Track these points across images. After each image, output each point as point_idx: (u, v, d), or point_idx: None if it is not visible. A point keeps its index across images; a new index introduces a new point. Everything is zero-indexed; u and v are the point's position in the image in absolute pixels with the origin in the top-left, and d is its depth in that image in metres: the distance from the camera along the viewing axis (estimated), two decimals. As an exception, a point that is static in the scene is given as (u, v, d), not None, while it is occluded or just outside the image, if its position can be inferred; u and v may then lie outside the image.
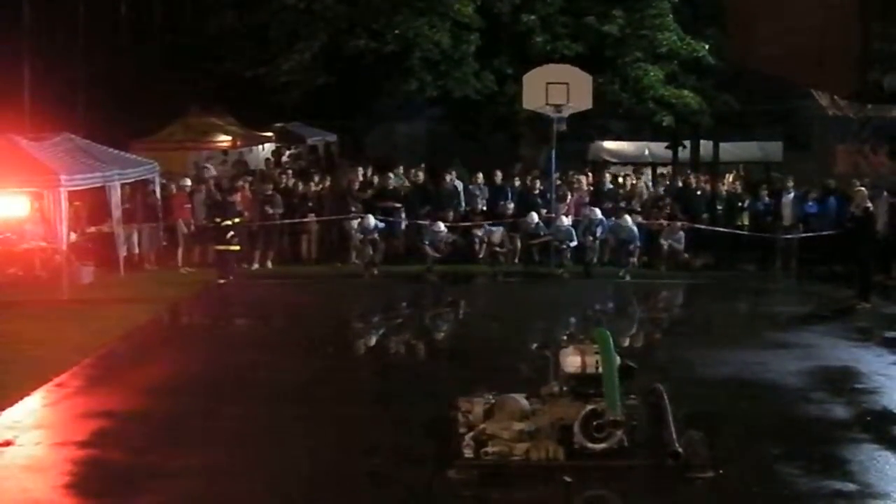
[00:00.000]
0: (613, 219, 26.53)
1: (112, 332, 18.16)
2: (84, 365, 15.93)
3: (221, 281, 21.57)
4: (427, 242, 24.98)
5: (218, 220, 21.79)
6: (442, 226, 25.07)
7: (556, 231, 25.58)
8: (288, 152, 38.59)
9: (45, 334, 17.67)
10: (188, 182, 26.13)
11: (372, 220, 24.63)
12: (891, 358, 17.15)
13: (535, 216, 25.24)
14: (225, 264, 21.66)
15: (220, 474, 11.37)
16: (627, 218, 25.18)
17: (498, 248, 26.14)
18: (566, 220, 26.04)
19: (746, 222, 26.66)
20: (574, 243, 25.36)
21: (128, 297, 21.62)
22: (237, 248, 22.01)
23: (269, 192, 26.03)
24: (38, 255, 23.03)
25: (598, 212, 26.03)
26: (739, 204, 26.79)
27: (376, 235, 24.87)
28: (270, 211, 25.38)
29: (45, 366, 15.52)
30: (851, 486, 11.26)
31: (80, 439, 12.44)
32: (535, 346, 14.62)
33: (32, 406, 13.98)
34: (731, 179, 28.55)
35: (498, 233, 26.18)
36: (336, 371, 15.90)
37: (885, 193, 25.05)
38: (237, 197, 22.55)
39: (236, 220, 21.70)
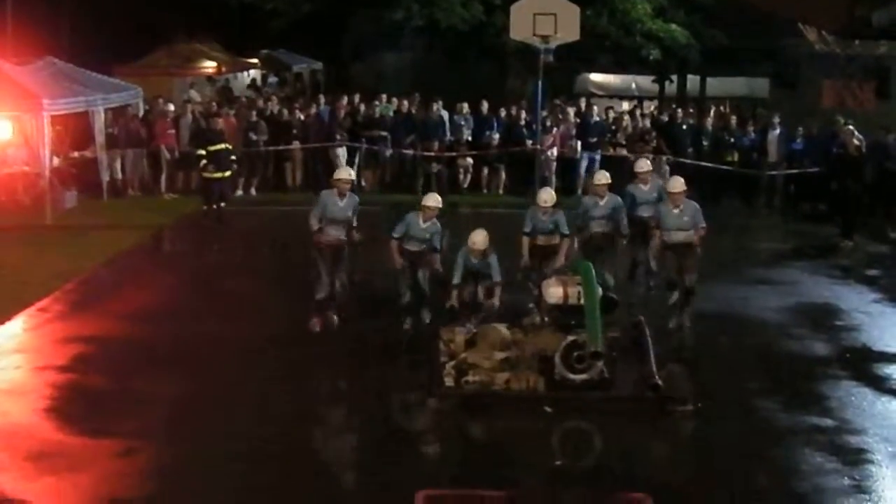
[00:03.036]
0: (599, 152, 26.50)
1: (94, 258, 18.12)
2: (66, 290, 15.91)
3: (209, 206, 21.39)
4: None
5: (206, 146, 21.59)
6: None
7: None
8: (272, 79, 38.39)
9: (27, 259, 17.62)
10: (172, 108, 25.92)
11: None
12: (872, 296, 17.22)
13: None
14: (211, 192, 21.50)
15: (202, 399, 11.42)
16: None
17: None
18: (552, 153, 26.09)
19: (732, 158, 26.56)
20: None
21: (111, 222, 21.54)
22: (227, 174, 21.81)
23: (254, 119, 25.88)
24: (20, 180, 22.87)
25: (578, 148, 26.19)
26: (727, 139, 26.67)
27: None
28: (254, 138, 25.20)
29: (27, 291, 15.50)
30: (829, 422, 11.36)
31: (61, 364, 12.46)
32: (518, 276, 14.56)
33: (13, 330, 13.98)
34: (713, 115, 28.35)
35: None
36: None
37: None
38: (223, 124, 22.34)
39: (224, 146, 21.50)
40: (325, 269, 14.18)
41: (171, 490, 9.08)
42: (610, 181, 15.90)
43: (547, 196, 15.01)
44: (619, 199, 15.82)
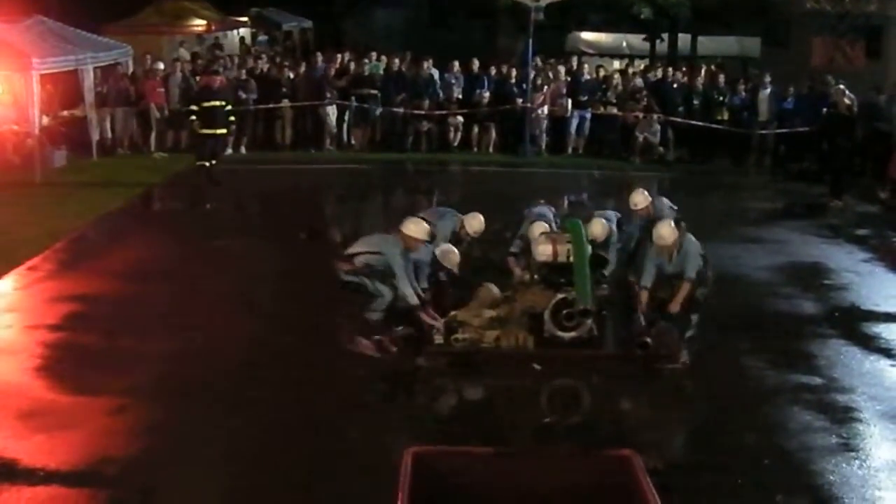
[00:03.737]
0: (590, 110, 26.49)
1: (84, 217, 18.09)
2: (56, 249, 15.89)
3: (202, 164, 21.27)
4: None
5: (199, 103, 21.46)
6: None
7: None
8: (262, 38, 38.22)
9: (16, 218, 17.58)
10: (161, 66, 25.81)
11: None
12: (860, 255, 17.27)
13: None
14: (204, 148, 21.38)
15: (192, 356, 11.44)
16: None
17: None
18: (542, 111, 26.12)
19: (723, 117, 26.55)
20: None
21: (100, 181, 21.51)
22: (223, 131, 21.70)
23: (244, 78, 25.80)
24: (9, 138, 22.77)
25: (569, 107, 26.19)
26: (718, 97, 26.65)
27: None
28: (244, 96, 25.13)
29: (17, 249, 15.47)
30: (817, 380, 11.41)
31: (52, 322, 12.47)
32: (508, 235, 14.57)
33: (4, 289, 13.98)
34: (704, 74, 28.33)
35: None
36: (309, 256, 15.91)
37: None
38: (217, 81, 22.24)
39: (219, 103, 21.38)
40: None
41: (162, 447, 9.11)
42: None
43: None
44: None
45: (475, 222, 13.51)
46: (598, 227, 13.20)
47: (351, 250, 11.89)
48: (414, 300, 11.68)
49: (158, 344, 11.71)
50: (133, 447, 9.10)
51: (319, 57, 27.41)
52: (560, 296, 11.88)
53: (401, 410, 10.37)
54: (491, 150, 26.78)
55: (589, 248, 11.96)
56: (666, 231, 12.08)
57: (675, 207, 14.41)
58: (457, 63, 27.21)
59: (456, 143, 26.75)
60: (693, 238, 12.32)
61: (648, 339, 11.65)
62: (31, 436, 9.30)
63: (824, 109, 23.47)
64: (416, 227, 11.93)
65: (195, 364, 11.19)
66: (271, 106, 25.98)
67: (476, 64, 27.28)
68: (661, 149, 26.39)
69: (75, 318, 12.63)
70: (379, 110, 26.60)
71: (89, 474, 8.53)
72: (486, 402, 10.73)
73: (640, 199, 13.97)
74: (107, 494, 8.22)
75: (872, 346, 12.60)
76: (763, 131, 26.00)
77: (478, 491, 6.59)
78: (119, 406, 9.97)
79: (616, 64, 35.33)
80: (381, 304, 11.60)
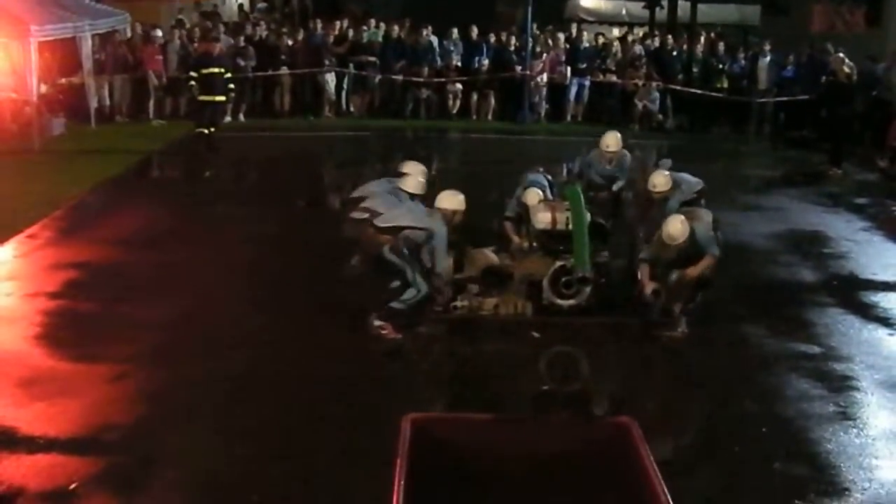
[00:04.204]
0: (589, 78, 26.48)
1: (83, 184, 18.08)
2: (55, 217, 15.88)
3: (201, 131, 21.20)
4: None
5: (197, 69, 21.40)
6: None
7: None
8: (261, 4, 38.10)
9: (15, 186, 17.57)
10: (160, 33, 25.74)
11: None
12: (859, 224, 17.29)
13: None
14: (203, 115, 21.33)
15: (192, 323, 11.45)
16: None
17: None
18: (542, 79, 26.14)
19: (722, 85, 26.52)
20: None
21: (99, 148, 21.48)
22: (222, 98, 21.64)
23: (242, 45, 25.74)
24: (8, 106, 22.69)
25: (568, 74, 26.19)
26: (718, 65, 26.62)
27: None
28: (242, 63, 25.07)
29: (16, 217, 15.46)
30: (816, 349, 11.43)
31: (52, 290, 12.46)
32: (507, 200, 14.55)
33: (3, 257, 13.97)
34: (703, 42, 28.27)
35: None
36: (308, 223, 15.92)
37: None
38: (216, 48, 22.16)
39: (218, 70, 21.31)
40: None
41: (162, 414, 9.12)
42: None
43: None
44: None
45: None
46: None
47: (394, 222, 11.15)
48: (450, 275, 11.63)
49: (158, 311, 11.72)
50: (133, 414, 9.11)
51: (318, 24, 27.33)
52: (559, 263, 11.88)
53: (400, 377, 10.39)
54: (490, 117, 26.82)
55: (588, 216, 11.87)
56: (676, 230, 11.29)
57: (699, 183, 13.68)
58: (455, 30, 27.17)
59: (455, 111, 26.79)
60: (706, 217, 11.85)
61: (651, 294, 11.58)
62: (31, 403, 9.31)
63: (823, 77, 23.43)
64: (453, 199, 11.53)
65: (195, 331, 11.20)
66: (270, 73, 25.94)
67: (475, 31, 27.24)
68: (660, 116, 26.43)
69: (75, 285, 12.63)
70: (378, 77, 26.61)
71: (89, 442, 8.54)
72: (484, 370, 10.73)
73: (662, 181, 13.00)
74: (107, 462, 8.23)
75: (870, 314, 12.62)
76: (762, 99, 25.99)
77: (476, 457, 6.62)
78: (119, 373, 9.99)
79: (615, 31, 35.24)
80: (413, 298, 11.17)
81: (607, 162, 14.56)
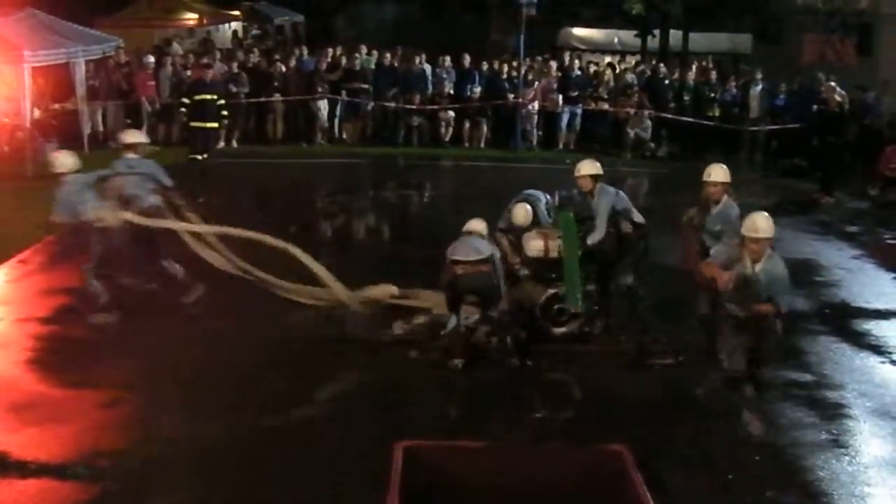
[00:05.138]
0: (581, 106, 26.56)
1: (75, 209, 18.02)
2: (47, 242, 15.81)
3: (193, 157, 21.18)
4: None
5: (190, 95, 21.44)
6: None
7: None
8: (255, 32, 38.20)
9: (7, 211, 17.55)
10: (151, 59, 25.78)
11: None
12: (851, 252, 17.33)
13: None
14: (197, 141, 21.33)
15: (186, 348, 11.42)
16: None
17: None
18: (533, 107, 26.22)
19: (714, 113, 26.60)
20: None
21: (92, 174, 21.46)
22: (215, 124, 21.64)
23: (235, 71, 25.78)
24: (1, 131, 22.73)
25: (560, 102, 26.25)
26: (710, 94, 26.71)
27: None
28: (235, 89, 25.10)
29: (8, 243, 15.45)
30: (808, 377, 11.46)
31: (43, 315, 12.46)
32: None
33: (-5, 281, 13.97)
34: (695, 70, 28.34)
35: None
36: (300, 246, 15.88)
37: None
38: (209, 74, 22.18)
39: (210, 97, 21.32)
40: None
41: (155, 440, 9.11)
42: None
43: None
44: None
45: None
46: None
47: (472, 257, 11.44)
48: None
49: (150, 336, 11.70)
50: (125, 440, 9.11)
51: (306, 51, 27.39)
52: (551, 291, 11.90)
53: (392, 404, 10.37)
54: (482, 144, 26.85)
55: (579, 244, 11.81)
56: (763, 223, 10.40)
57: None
58: (448, 58, 27.24)
59: (447, 138, 26.80)
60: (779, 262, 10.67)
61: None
62: (23, 428, 9.31)
63: (815, 106, 23.53)
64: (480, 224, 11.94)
65: (188, 356, 11.19)
66: (263, 100, 25.98)
67: (467, 59, 27.30)
68: (652, 144, 26.49)
69: (66, 311, 12.62)
70: (370, 105, 26.65)
71: (81, 467, 8.53)
72: (477, 397, 10.73)
73: (720, 173, 11.81)
74: (98, 488, 8.22)
75: (863, 342, 12.65)
76: (754, 128, 26.05)
77: (469, 484, 6.62)
78: (111, 399, 9.98)
79: (607, 59, 35.37)
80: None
81: (587, 193, 12.47)
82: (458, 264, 11.31)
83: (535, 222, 12.71)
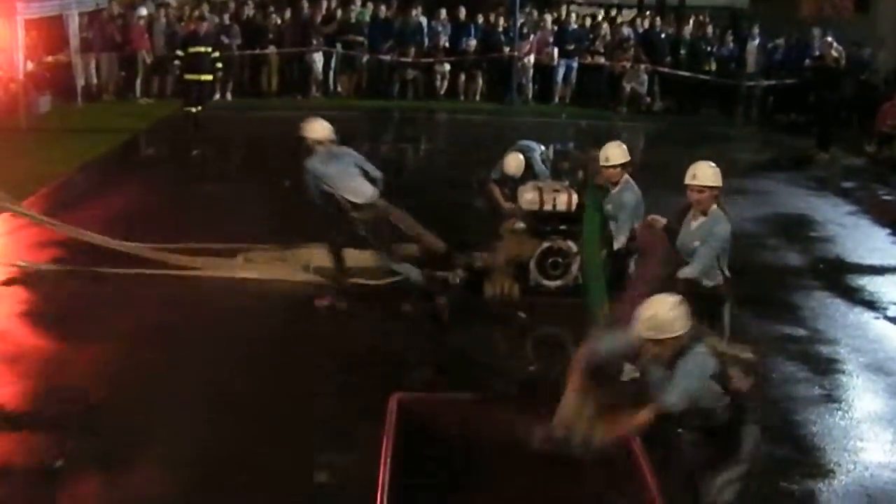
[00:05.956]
0: (577, 59, 26.47)
1: (70, 163, 18.00)
2: (41, 195, 15.80)
3: (188, 110, 21.14)
4: None
5: (184, 48, 21.36)
6: None
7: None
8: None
9: (1, 162, 17.48)
10: (145, 12, 25.64)
11: None
12: (846, 208, 17.34)
13: None
14: (190, 94, 21.28)
15: (180, 301, 11.41)
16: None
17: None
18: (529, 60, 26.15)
19: (710, 68, 26.53)
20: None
21: (86, 127, 21.41)
22: (209, 77, 21.56)
23: (227, 23, 25.63)
24: (-6, 83, 22.66)
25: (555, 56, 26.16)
26: (706, 48, 26.62)
27: None
28: (227, 41, 24.95)
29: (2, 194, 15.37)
30: (802, 332, 11.49)
31: (37, 268, 12.39)
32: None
33: (-14, 234, 13.93)
34: (692, 25, 28.20)
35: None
36: (297, 205, 15.86)
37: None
38: (203, 27, 22.07)
39: (204, 49, 21.23)
40: None
41: (149, 392, 9.10)
42: None
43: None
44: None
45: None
46: (514, 162, 12.76)
47: None
48: None
49: (145, 289, 11.68)
50: (120, 392, 9.10)
51: (305, 3, 27.26)
52: (546, 244, 11.88)
53: (386, 357, 10.37)
54: (478, 98, 26.84)
55: (602, 253, 10.22)
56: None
57: None
58: (444, 11, 27.12)
59: (443, 91, 26.77)
60: None
61: None
62: (17, 381, 9.30)
63: (806, 61, 23.53)
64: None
65: (182, 309, 11.17)
66: (257, 52, 25.87)
67: (463, 12, 27.19)
68: (648, 99, 26.45)
69: (60, 263, 12.57)
70: (365, 58, 26.54)
71: (75, 420, 8.52)
72: (471, 350, 10.73)
73: (708, 174, 9.10)
74: (93, 440, 8.21)
75: (856, 298, 12.68)
76: (751, 83, 25.99)
77: (462, 436, 6.64)
78: (106, 351, 9.96)
79: (603, 13, 35.19)
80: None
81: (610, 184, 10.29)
82: None
83: (531, 174, 12.72)
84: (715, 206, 9.00)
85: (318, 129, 11.40)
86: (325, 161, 11.14)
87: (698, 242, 8.81)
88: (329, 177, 11.02)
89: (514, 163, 12.67)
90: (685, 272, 8.62)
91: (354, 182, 11.13)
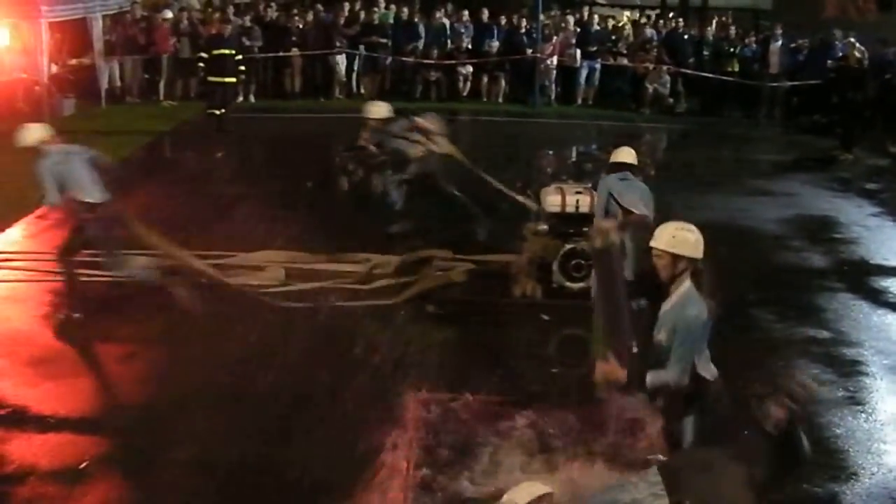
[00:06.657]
0: (599, 61, 26.45)
1: (93, 165, 18.02)
2: (65, 197, 15.82)
3: (211, 112, 21.21)
4: None
5: (208, 50, 21.45)
6: None
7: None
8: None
9: (26, 166, 17.47)
10: (169, 14, 25.72)
11: None
12: (870, 209, 17.25)
13: None
14: (215, 96, 21.35)
15: (203, 302, 11.40)
16: None
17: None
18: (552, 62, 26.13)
19: (733, 68, 26.46)
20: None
21: (109, 129, 21.45)
22: (233, 79, 21.63)
23: (248, 25, 25.69)
24: (18, 86, 22.73)
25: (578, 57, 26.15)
26: (729, 49, 26.55)
27: None
28: (248, 43, 24.99)
29: (26, 197, 15.39)
30: (825, 334, 11.43)
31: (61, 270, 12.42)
32: (518, 185, 14.56)
33: (13, 237, 14.01)
34: (715, 26, 28.13)
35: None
36: (318, 204, 15.89)
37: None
38: (227, 29, 22.14)
39: (228, 51, 21.30)
40: None
41: (171, 395, 9.14)
42: None
43: None
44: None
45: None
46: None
47: None
48: None
49: (168, 291, 11.70)
50: (143, 394, 9.14)
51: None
52: (569, 246, 11.88)
53: (408, 357, 10.37)
54: (500, 99, 26.82)
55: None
56: None
57: None
58: (466, 12, 27.15)
59: (465, 93, 26.76)
60: None
61: None
62: (41, 383, 9.34)
63: (829, 62, 23.46)
64: None
65: (204, 310, 11.18)
66: (280, 54, 25.93)
67: (486, 13, 27.20)
68: (670, 100, 26.38)
69: (84, 266, 12.60)
70: (388, 59, 26.56)
71: (99, 422, 8.58)
72: (493, 351, 10.72)
73: (684, 238, 7.26)
74: (117, 441, 8.26)
75: (880, 299, 12.63)
76: (774, 83, 25.90)
77: (482, 436, 6.66)
78: (129, 353, 10.01)
79: (627, 14, 35.17)
80: None
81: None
82: None
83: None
84: (688, 283, 7.04)
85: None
86: None
87: (663, 335, 6.96)
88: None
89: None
90: (659, 378, 6.87)
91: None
